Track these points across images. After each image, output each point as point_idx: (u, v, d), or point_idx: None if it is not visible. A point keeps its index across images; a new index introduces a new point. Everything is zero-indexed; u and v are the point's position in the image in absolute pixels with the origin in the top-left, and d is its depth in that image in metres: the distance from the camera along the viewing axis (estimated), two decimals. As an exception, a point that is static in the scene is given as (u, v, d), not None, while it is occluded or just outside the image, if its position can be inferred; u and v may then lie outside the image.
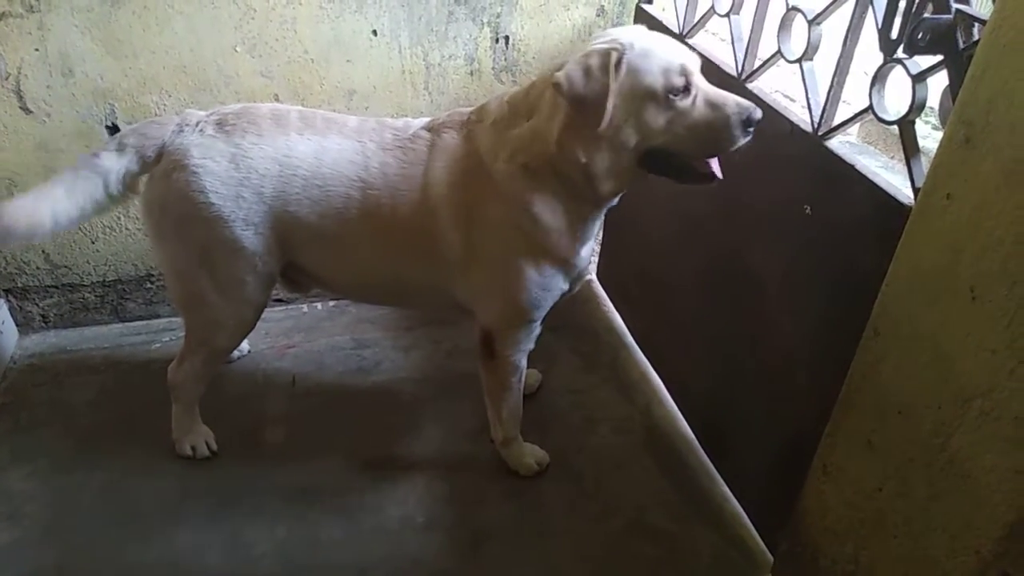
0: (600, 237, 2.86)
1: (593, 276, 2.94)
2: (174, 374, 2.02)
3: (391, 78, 2.33)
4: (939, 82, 1.30)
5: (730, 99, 1.57)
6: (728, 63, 1.88)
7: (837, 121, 1.53)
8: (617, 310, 2.76)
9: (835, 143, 1.55)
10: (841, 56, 1.49)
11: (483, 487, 2.08)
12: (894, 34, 1.36)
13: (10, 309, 2.45)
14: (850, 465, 1.49)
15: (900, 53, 1.34)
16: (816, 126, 1.58)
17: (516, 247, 1.71)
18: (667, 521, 2.00)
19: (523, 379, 1.99)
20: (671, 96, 1.53)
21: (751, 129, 1.56)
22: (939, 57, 1.28)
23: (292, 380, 2.40)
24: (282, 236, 1.79)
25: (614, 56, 1.50)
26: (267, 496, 2.01)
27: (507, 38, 2.36)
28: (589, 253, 1.85)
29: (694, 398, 2.27)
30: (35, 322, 2.51)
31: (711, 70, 1.80)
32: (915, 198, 1.31)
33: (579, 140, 1.58)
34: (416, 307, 2.28)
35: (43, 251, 2.37)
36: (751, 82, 1.81)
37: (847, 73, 1.51)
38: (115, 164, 1.77)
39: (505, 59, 2.39)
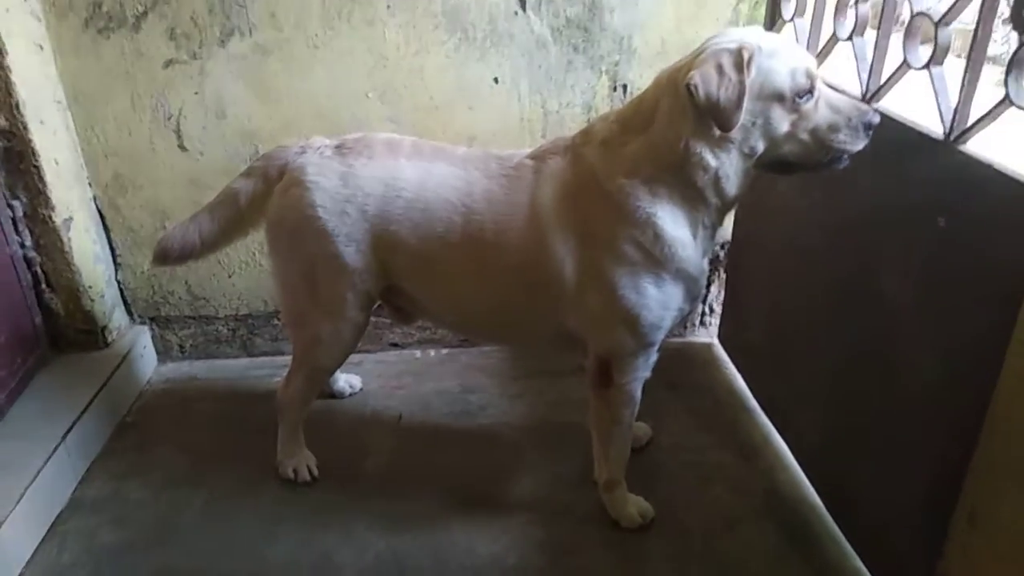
0: (721, 299, 2.74)
1: (715, 340, 2.79)
2: (281, 393, 2.08)
3: (510, 125, 2.40)
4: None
5: (849, 102, 1.56)
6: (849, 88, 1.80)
7: (971, 121, 1.40)
8: (740, 374, 2.58)
9: (970, 146, 1.41)
10: (972, 49, 1.38)
11: (580, 535, 1.94)
12: (1031, 13, 1.24)
13: (152, 338, 2.64)
14: (1001, 507, 1.27)
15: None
16: (948, 131, 1.45)
17: (636, 265, 1.66)
18: (786, 587, 1.78)
19: (635, 413, 1.89)
20: (797, 99, 1.51)
21: (870, 132, 1.53)
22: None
23: (398, 417, 2.40)
24: (383, 256, 1.83)
25: (746, 55, 1.48)
26: (360, 523, 1.98)
27: (625, 86, 2.38)
28: (706, 268, 1.78)
29: (822, 462, 2.04)
30: (173, 351, 2.69)
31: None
32: (1065, 184, 1.15)
33: (708, 144, 1.55)
34: (520, 340, 2.24)
35: (186, 282, 2.56)
36: (876, 102, 1.72)
37: (981, 68, 1.39)
38: (244, 186, 1.94)
39: (623, 108, 2.41)
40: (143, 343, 2.59)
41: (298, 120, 2.35)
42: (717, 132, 1.52)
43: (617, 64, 2.35)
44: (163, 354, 2.68)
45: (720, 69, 1.48)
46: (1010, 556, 1.25)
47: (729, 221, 2.54)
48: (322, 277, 1.86)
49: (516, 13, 2.26)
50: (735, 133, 1.52)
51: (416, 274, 1.88)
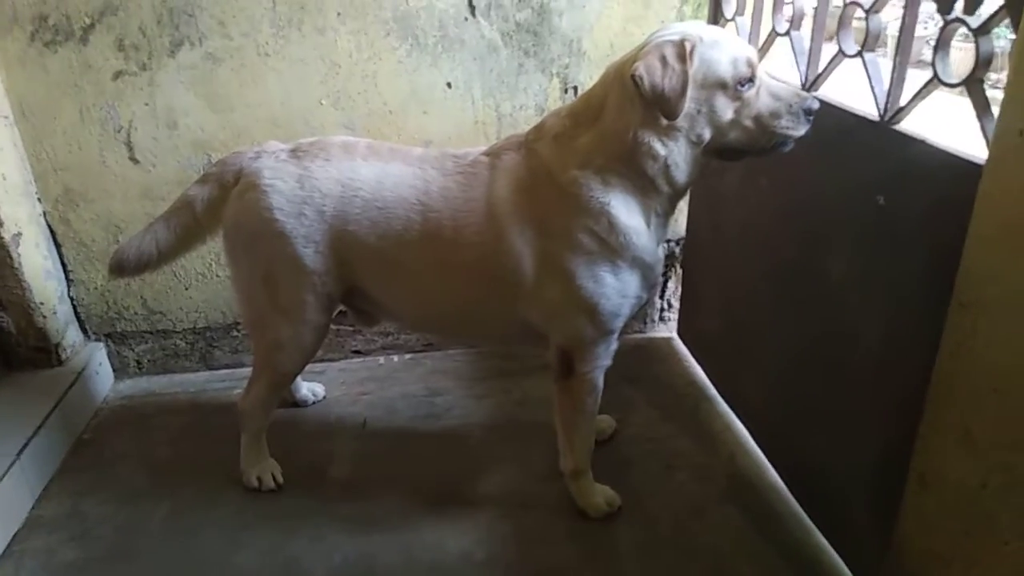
0: (679, 294, 2.79)
1: (674, 334, 2.84)
2: (242, 401, 2.06)
3: (464, 128, 2.43)
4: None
5: (790, 89, 1.62)
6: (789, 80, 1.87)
7: (904, 102, 1.47)
8: (699, 364, 2.64)
9: (904, 126, 1.48)
10: (902, 32, 1.45)
11: (548, 527, 1.95)
12: (952, -5, 1.31)
13: (108, 354, 2.59)
14: (949, 466, 1.32)
15: (959, 12, 1.29)
16: (883, 112, 1.52)
17: (592, 254, 1.69)
18: (752, 568, 1.81)
19: (598, 402, 1.91)
20: (739, 87, 1.56)
21: (811, 118, 1.60)
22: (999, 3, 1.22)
23: (363, 422, 2.39)
24: (342, 257, 1.83)
25: (688, 46, 1.53)
26: (327, 526, 1.96)
27: (576, 88, 2.43)
28: (662, 255, 1.82)
29: (780, 443, 2.09)
30: (130, 367, 2.64)
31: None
32: (990, 154, 1.21)
33: (656, 133, 1.59)
34: (482, 336, 2.25)
35: (141, 296, 2.52)
36: (815, 91, 1.79)
37: (910, 51, 1.46)
38: (199, 192, 1.93)
39: (575, 109, 2.46)
40: (98, 360, 2.54)
41: (251, 129, 2.34)
42: (664, 121, 1.57)
43: (567, 67, 2.40)
44: (120, 370, 2.63)
45: (664, 60, 1.53)
46: (958, 513, 1.30)
47: (683, 218, 2.60)
48: (281, 280, 1.85)
49: (466, 19, 2.29)
50: (681, 121, 1.57)
51: (376, 274, 1.89)
